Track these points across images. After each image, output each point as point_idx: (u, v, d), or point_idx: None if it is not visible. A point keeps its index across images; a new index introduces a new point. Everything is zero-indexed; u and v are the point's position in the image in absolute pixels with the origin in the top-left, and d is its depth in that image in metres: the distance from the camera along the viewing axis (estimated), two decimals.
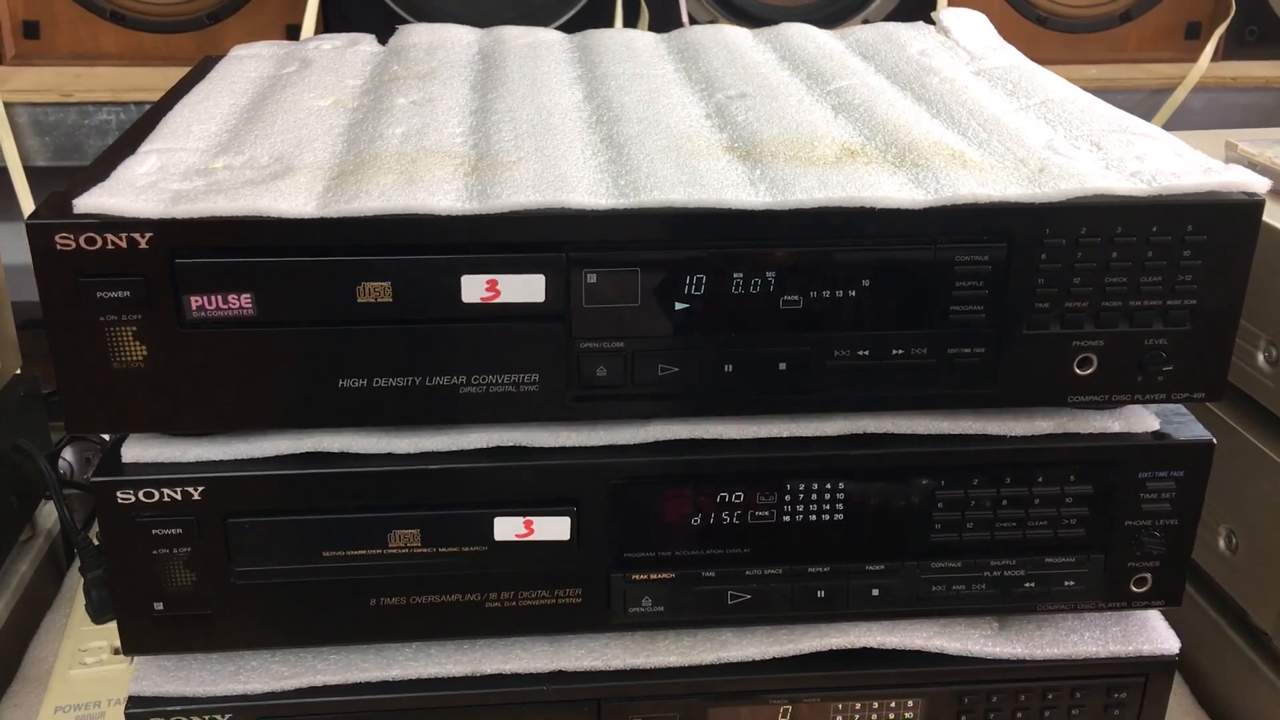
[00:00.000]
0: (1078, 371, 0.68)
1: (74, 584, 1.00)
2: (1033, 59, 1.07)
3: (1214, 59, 1.59)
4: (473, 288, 0.64)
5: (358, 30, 0.96)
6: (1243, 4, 1.59)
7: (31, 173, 1.37)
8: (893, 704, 0.75)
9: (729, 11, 1.49)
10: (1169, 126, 1.52)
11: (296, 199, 0.63)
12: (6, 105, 1.37)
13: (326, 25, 1.46)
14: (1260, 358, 0.83)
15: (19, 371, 0.98)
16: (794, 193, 0.64)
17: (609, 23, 1.46)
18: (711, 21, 1.45)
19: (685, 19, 1.45)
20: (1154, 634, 0.76)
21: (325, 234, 0.63)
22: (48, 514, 1.03)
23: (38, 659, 0.92)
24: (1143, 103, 1.56)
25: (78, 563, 0.87)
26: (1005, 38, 1.55)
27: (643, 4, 1.50)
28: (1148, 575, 0.74)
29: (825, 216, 0.64)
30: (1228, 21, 1.59)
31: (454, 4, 1.39)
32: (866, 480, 0.71)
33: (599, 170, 0.67)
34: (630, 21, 1.49)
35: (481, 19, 0.99)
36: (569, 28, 0.97)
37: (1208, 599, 0.92)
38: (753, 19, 1.44)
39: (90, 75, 1.42)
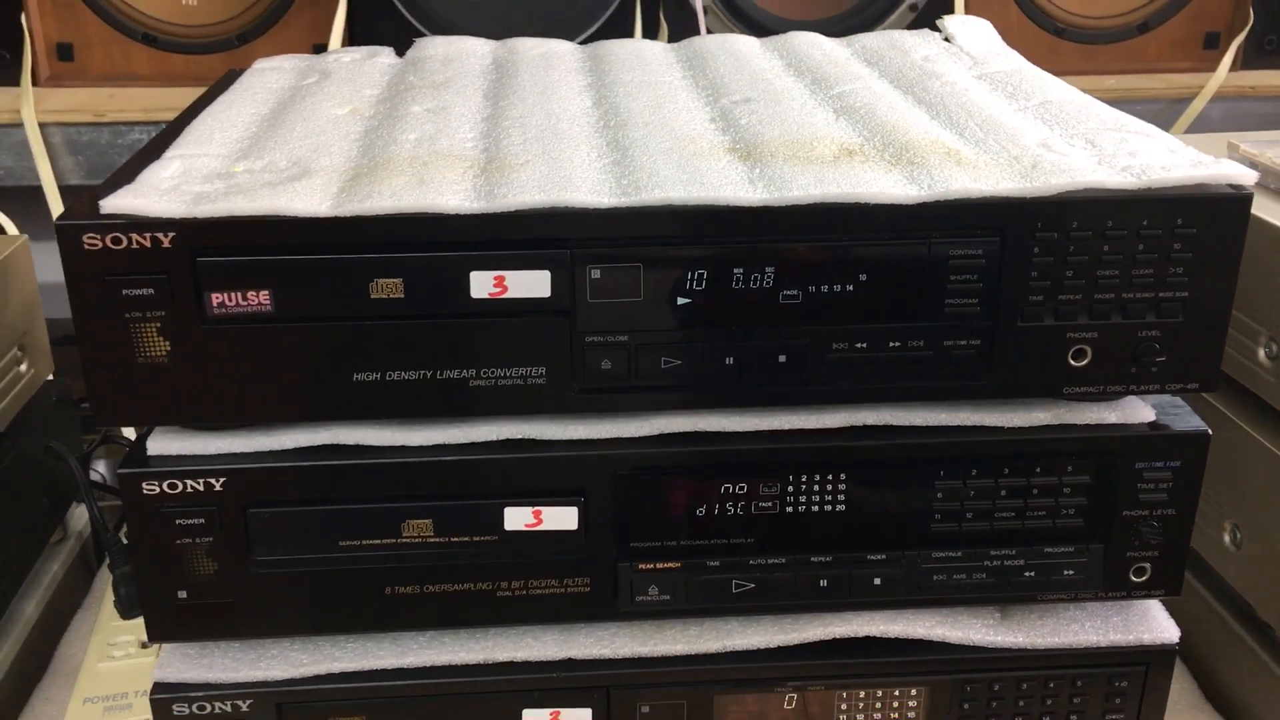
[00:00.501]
0: (1072, 363, 0.70)
1: (104, 584, 1.03)
2: (1051, 70, 1.08)
3: (1233, 68, 1.60)
4: (481, 284, 0.67)
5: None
6: (1261, 13, 1.60)
7: (65, 191, 1.41)
8: (896, 692, 0.77)
9: (747, 26, 1.51)
10: (1189, 134, 1.54)
11: (312, 199, 0.66)
12: (41, 125, 1.40)
13: (352, 44, 1.49)
14: (1261, 353, 0.84)
15: (51, 378, 1.01)
16: (791, 190, 0.66)
17: (629, 37, 1.49)
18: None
19: (703, 33, 1.48)
20: (1154, 624, 0.77)
21: (339, 233, 0.65)
22: (79, 517, 1.06)
23: (68, 655, 0.95)
24: (1162, 112, 1.57)
25: (107, 561, 0.89)
26: (1023, 49, 1.56)
27: (662, 20, 1.53)
28: (1147, 565, 0.75)
29: (821, 212, 0.66)
30: (1246, 30, 1.60)
31: (477, 23, 1.42)
32: (867, 471, 0.73)
33: (603, 171, 0.70)
34: (650, 37, 1.52)
35: (505, 36, 1.02)
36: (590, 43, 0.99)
37: (1214, 593, 0.93)
38: (769, 33, 1.46)
39: (123, 96, 1.46)
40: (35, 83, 1.46)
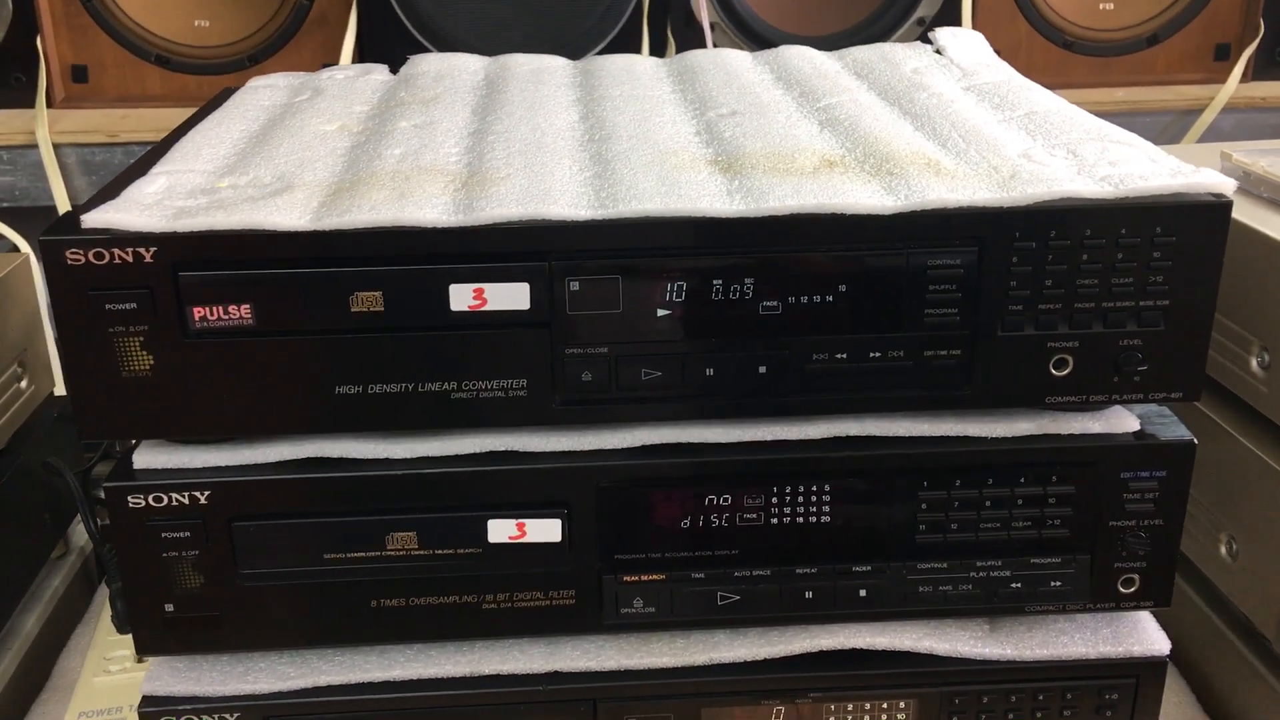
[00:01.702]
0: (1054, 373, 0.70)
1: (104, 599, 1.04)
2: (1060, 83, 1.08)
3: (1243, 79, 1.59)
4: (460, 296, 0.67)
5: (394, 69, 1.00)
6: (1272, 24, 1.59)
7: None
8: (884, 705, 0.77)
9: (754, 42, 1.52)
10: (1191, 146, 1.53)
11: (292, 213, 0.66)
12: (55, 146, 1.42)
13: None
14: (1254, 363, 0.83)
15: (54, 393, 1.02)
16: (768, 201, 0.66)
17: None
18: None
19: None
20: (1144, 635, 0.77)
21: (319, 246, 0.66)
22: (80, 532, 1.07)
23: (66, 669, 0.96)
24: (1172, 124, 1.57)
25: (105, 576, 0.90)
26: (1032, 63, 1.57)
27: (670, 37, 1.54)
28: (1135, 576, 0.75)
29: (799, 223, 0.66)
30: (1257, 42, 1.59)
31: (485, 42, 1.43)
32: (850, 482, 0.72)
33: (584, 184, 0.70)
34: (658, 54, 1.52)
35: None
36: None
37: (1211, 604, 0.92)
38: None
39: (136, 116, 1.48)
40: (50, 104, 1.48)
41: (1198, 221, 0.67)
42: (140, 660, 0.92)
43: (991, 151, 0.72)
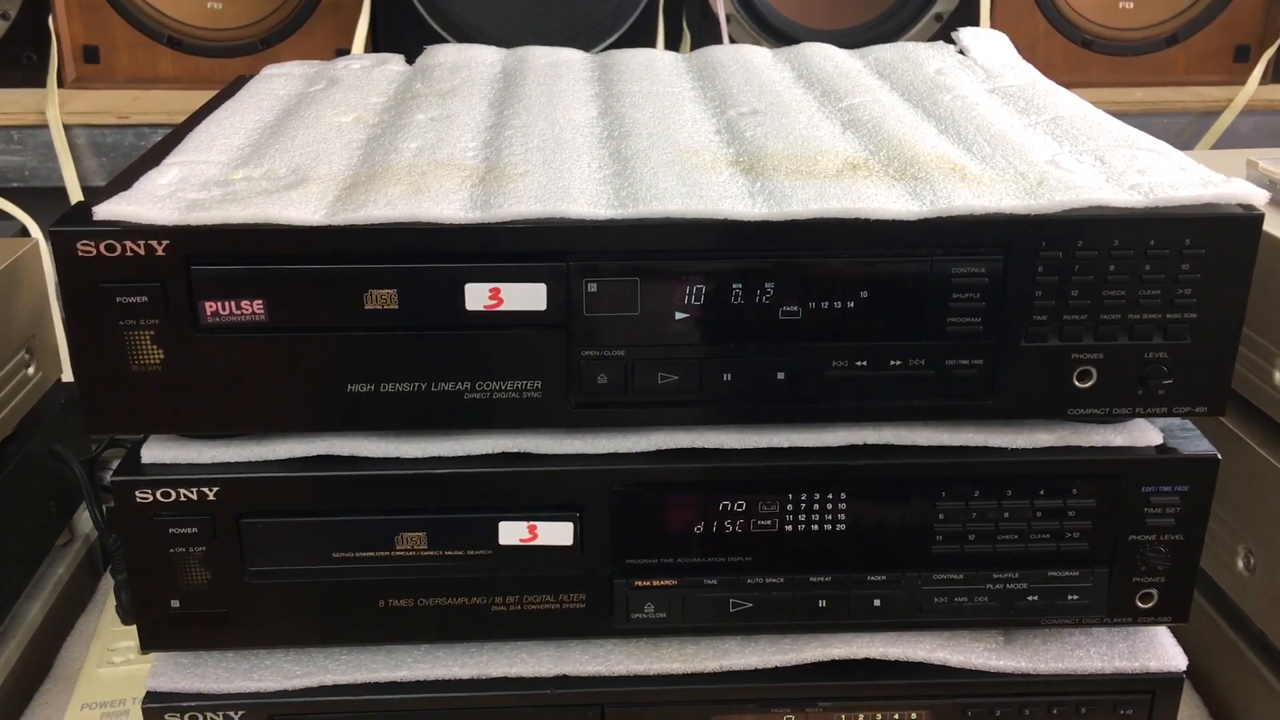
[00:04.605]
0: (1077, 384, 0.69)
1: (109, 587, 1.03)
2: (1078, 82, 1.06)
3: (1263, 81, 1.58)
4: (476, 296, 0.66)
5: (408, 55, 0.99)
6: None
7: (89, 192, 1.41)
8: (896, 716, 0.76)
9: (770, 35, 1.51)
10: (1217, 149, 1.51)
11: (306, 208, 0.65)
12: (66, 127, 1.41)
13: (375, 50, 1.49)
14: (1277, 375, 0.82)
15: (61, 380, 1.01)
16: (790, 204, 0.65)
17: (652, 46, 1.48)
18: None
19: (725, 42, 1.47)
20: (1161, 651, 0.76)
21: (333, 242, 0.65)
22: (86, 520, 1.06)
23: (70, 659, 0.95)
24: (1190, 125, 1.55)
25: (110, 566, 0.89)
26: (1050, 61, 1.56)
27: (685, 29, 1.52)
28: (1153, 591, 0.74)
29: (821, 227, 0.65)
30: (1277, 44, 1.58)
31: (501, 30, 1.42)
32: (867, 491, 0.72)
33: (603, 183, 0.69)
34: (673, 47, 1.51)
35: (526, 44, 1.01)
36: None
37: (1227, 619, 0.91)
38: (792, 42, 1.45)
39: (147, 98, 1.47)
40: (61, 84, 1.47)
41: (1228, 234, 0.66)
42: (144, 653, 0.91)
43: (1018, 157, 0.71)
